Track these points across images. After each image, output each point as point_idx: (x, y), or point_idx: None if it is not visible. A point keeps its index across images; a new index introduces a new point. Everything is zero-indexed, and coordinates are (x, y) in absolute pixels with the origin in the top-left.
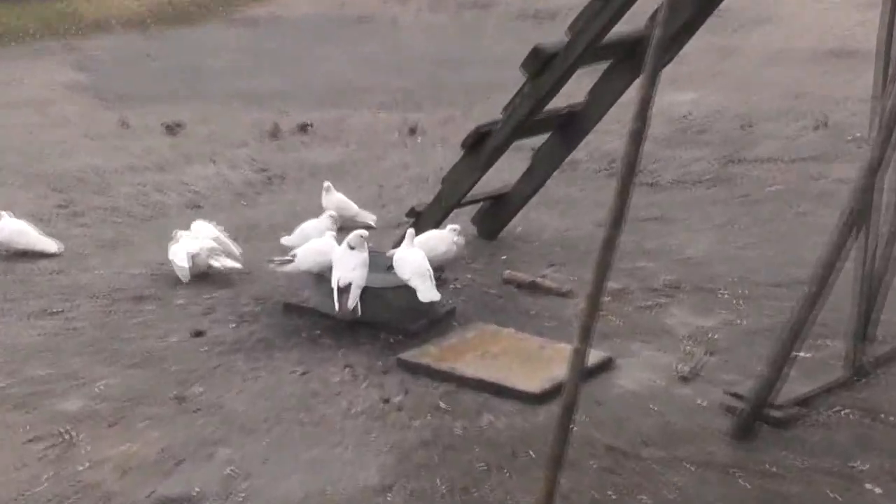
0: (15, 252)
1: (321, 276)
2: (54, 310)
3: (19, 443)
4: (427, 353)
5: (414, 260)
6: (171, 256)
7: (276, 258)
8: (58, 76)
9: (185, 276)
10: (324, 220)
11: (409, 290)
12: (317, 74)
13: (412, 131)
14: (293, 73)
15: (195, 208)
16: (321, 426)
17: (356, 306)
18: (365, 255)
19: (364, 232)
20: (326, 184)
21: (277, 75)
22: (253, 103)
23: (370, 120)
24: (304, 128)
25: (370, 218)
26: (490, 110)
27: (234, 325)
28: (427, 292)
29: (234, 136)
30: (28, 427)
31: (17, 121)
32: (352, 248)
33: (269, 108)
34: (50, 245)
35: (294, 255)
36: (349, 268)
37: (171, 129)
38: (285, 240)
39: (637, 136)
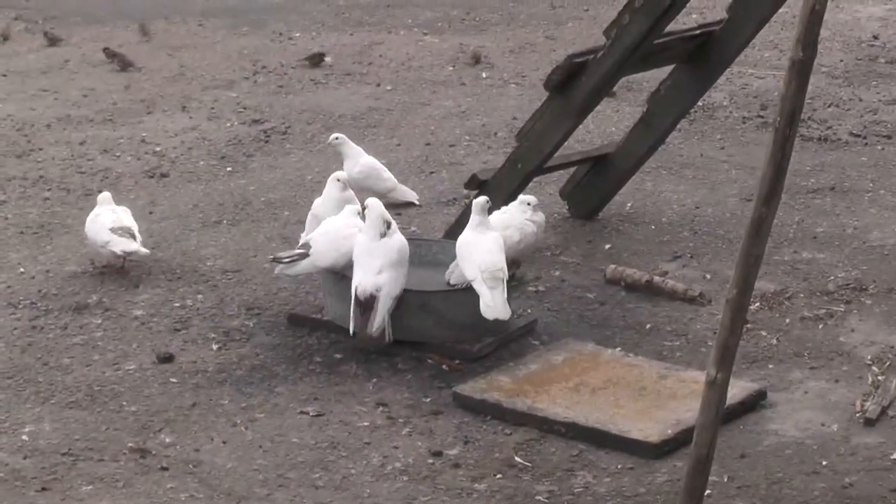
0: None
1: (343, 274)
2: None
3: None
4: (496, 386)
5: (484, 250)
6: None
7: (282, 255)
8: None
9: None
10: (332, 189)
11: (469, 295)
12: None
13: (474, 62)
14: None
15: (159, 178)
16: (343, 490)
17: (384, 329)
18: (400, 244)
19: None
20: (333, 137)
21: None
22: (240, 24)
23: (412, 47)
24: (315, 59)
25: (411, 195)
26: (586, 32)
27: (216, 347)
28: (493, 305)
29: (214, 72)
30: None
31: None
32: (386, 227)
33: (265, 29)
34: None
35: (307, 247)
36: (374, 269)
37: (123, 61)
38: (306, 238)
39: (802, 68)
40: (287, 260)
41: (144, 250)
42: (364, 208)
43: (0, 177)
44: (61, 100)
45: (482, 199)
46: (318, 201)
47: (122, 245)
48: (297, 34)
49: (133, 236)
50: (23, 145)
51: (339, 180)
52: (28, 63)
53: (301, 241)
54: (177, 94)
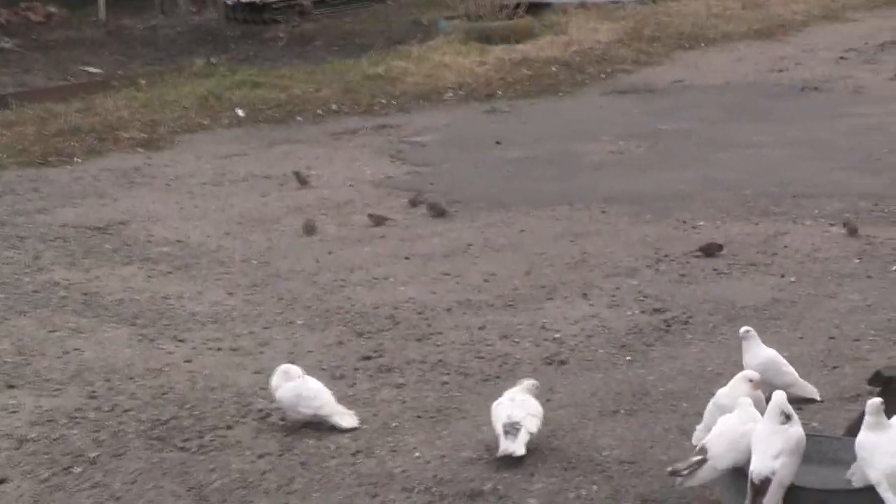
0: (299, 422)
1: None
2: None
3: None
4: None
5: (888, 452)
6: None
7: (680, 466)
8: (364, 170)
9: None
10: (737, 387)
11: (872, 495)
12: (736, 169)
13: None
14: (702, 167)
15: (558, 365)
16: None
17: None
18: (799, 436)
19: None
20: (744, 330)
21: (679, 170)
22: (643, 211)
23: (817, 238)
24: (713, 249)
25: (811, 391)
26: None
27: None
28: None
29: (615, 260)
30: None
31: (305, 233)
32: (786, 418)
33: (667, 218)
34: (345, 417)
35: (703, 452)
36: (771, 453)
37: (301, 179)
38: (699, 438)
39: None
40: (686, 471)
41: (519, 452)
42: (767, 401)
43: (400, 360)
44: (462, 284)
45: (877, 401)
46: (722, 391)
47: (502, 445)
48: (702, 223)
49: (516, 432)
50: (423, 329)
51: (750, 381)
52: (431, 247)
53: (695, 436)
54: (578, 281)
